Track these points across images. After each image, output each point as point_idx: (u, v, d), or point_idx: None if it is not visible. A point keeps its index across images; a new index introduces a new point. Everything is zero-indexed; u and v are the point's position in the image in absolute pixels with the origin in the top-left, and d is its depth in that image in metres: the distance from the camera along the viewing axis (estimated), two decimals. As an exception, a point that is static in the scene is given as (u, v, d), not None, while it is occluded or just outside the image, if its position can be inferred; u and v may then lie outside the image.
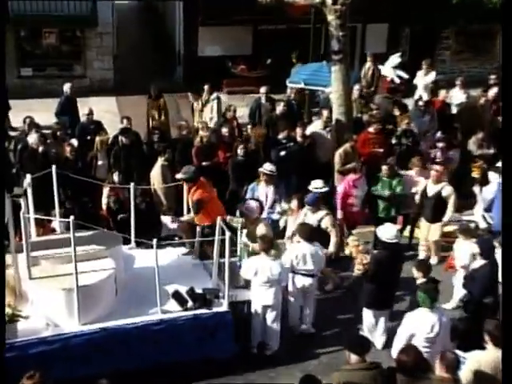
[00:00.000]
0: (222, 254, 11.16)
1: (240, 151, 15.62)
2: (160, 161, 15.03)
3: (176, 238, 13.21)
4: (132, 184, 12.44)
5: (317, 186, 13.61)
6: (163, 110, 18.66)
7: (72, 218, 10.24)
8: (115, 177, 14.87)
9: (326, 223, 12.96)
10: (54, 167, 12.01)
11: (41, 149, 15.15)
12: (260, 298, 11.57)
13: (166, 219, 13.97)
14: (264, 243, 11.66)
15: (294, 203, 13.72)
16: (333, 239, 12.88)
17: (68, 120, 17.84)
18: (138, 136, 16.60)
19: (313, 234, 12.17)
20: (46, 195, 12.43)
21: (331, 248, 12.83)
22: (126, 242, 12.32)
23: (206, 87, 18.44)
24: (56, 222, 12.84)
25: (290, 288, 12.11)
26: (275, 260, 11.59)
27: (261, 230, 12.47)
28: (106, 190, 14.39)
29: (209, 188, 12.55)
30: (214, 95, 18.59)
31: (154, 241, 10.50)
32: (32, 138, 15.30)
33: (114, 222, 13.88)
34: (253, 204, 12.99)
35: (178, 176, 12.62)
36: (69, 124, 17.62)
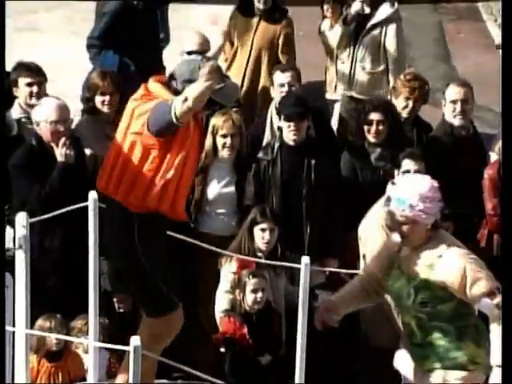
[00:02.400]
0: None
1: None
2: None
3: None
4: (305, 259, 5.10)
5: None
6: None
7: (135, 343, 4.01)
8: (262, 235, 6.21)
9: None
10: (92, 194, 5.22)
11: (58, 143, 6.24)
12: None
13: None
14: None
15: None
16: None
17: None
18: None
19: None
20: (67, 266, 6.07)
21: None
22: None
23: None
24: (90, 354, 5.43)
25: None
26: None
27: None
28: (227, 269, 6.11)
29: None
30: None
31: None
32: (41, 114, 6.26)
33: (246, 360, 5.82)
34: None
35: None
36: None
